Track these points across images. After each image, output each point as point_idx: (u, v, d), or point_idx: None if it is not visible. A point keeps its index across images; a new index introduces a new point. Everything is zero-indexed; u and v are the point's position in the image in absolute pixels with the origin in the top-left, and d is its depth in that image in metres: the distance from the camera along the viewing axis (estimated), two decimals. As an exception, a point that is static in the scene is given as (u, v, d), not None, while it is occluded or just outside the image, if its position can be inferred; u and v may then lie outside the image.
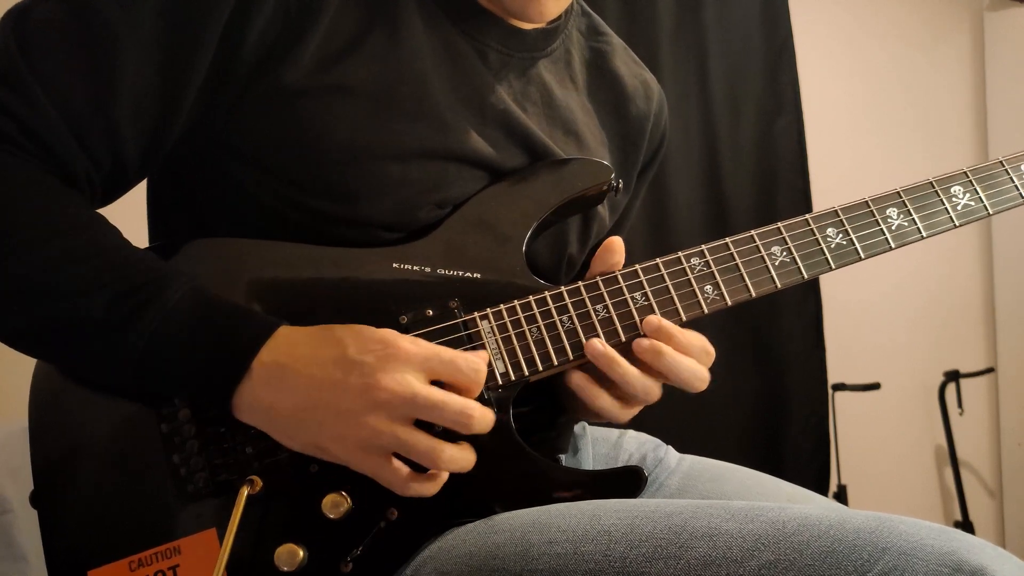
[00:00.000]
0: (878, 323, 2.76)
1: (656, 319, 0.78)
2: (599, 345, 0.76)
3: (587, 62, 0.95)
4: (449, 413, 0.67)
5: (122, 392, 0.72)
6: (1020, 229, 2.82)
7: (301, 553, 0.70)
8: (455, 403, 0.68)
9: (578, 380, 0.78)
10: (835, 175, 2.59)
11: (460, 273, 0.78)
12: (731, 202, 2.44)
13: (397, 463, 0.68)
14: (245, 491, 0.70)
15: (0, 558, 1.37)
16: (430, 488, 0.70)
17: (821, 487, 2.59)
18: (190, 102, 0.73)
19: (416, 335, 0.74)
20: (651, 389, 0.78)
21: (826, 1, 2.72)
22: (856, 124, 2.74)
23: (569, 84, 0.92)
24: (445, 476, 0.71)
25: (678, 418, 2.27)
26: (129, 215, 0.80)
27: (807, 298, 2.57)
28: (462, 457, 0.70)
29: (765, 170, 2.52)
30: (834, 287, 2.59)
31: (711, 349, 0.80)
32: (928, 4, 2.88)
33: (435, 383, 0.69)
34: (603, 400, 0.78)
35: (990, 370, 2.92)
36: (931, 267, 2.81)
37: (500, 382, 0.76)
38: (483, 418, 0.69)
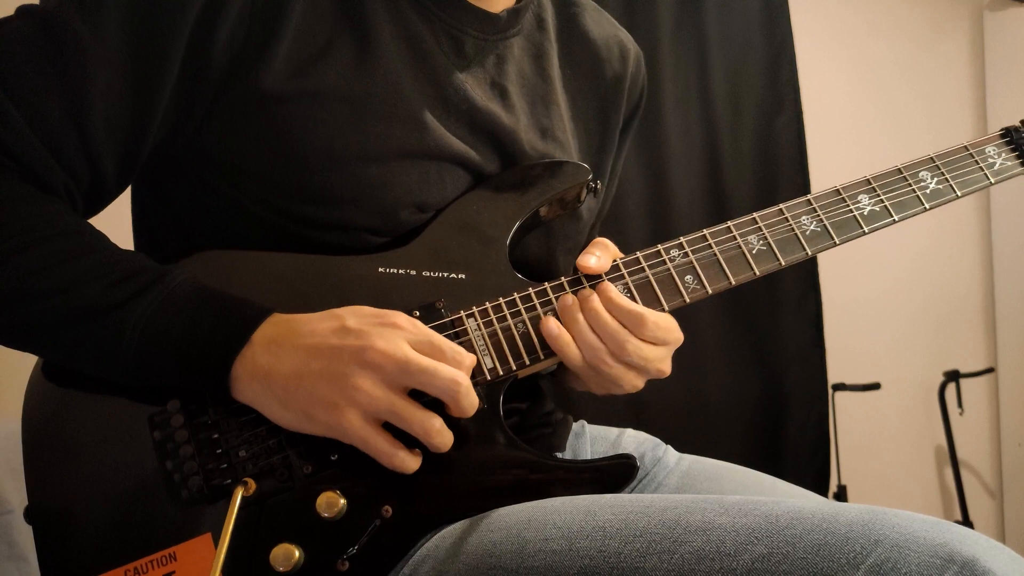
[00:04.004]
0: (878, 323, 2.76)
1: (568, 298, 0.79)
2: (555, 326, 0.78)
3: (558, 30, 0.96)
4: (440, 380, 0.68)
5: (122, 380, 0.73)
6: (1020, 229, 2.82)
7: (297, 553, 0.70)
8: (446, 370, 0.69)
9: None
10: (835, 173, 2.57)
11: (445, 274, 0.79)
12: (732, 200, 2.44)
13: (386, 433, 0.70)
14: (239, 493, 0.69)
15: (0, 558, 1.38)
16: (415, 462, 0.71)
17: (821, 487, 2.58)
18: (163, 110, 0.73)
19: None
20: (596, 343, 0.78)
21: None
22: (856, 123, 2.74)
23: (543, 56, 0.93)
24: (420, 457, 0.72)
25: (677, 418, 2.28)
26: (117, 228, 0.80)
27: (807, 298, 2.56)
28: (449, 433, 0.71)
29: (765, 168, 2.52)
30: (834, 286, 2.59)
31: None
32: (928, 3, 2.88)
33: None
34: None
35: (990, 370, 2.92)
36: (931, 267, 2.81)
37: (488, 377, 0.76)
38: (470, 391, 0.70)
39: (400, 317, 0.71)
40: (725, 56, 2.47)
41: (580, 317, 0.78)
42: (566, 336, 0.77)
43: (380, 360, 0.68)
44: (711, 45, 2.45)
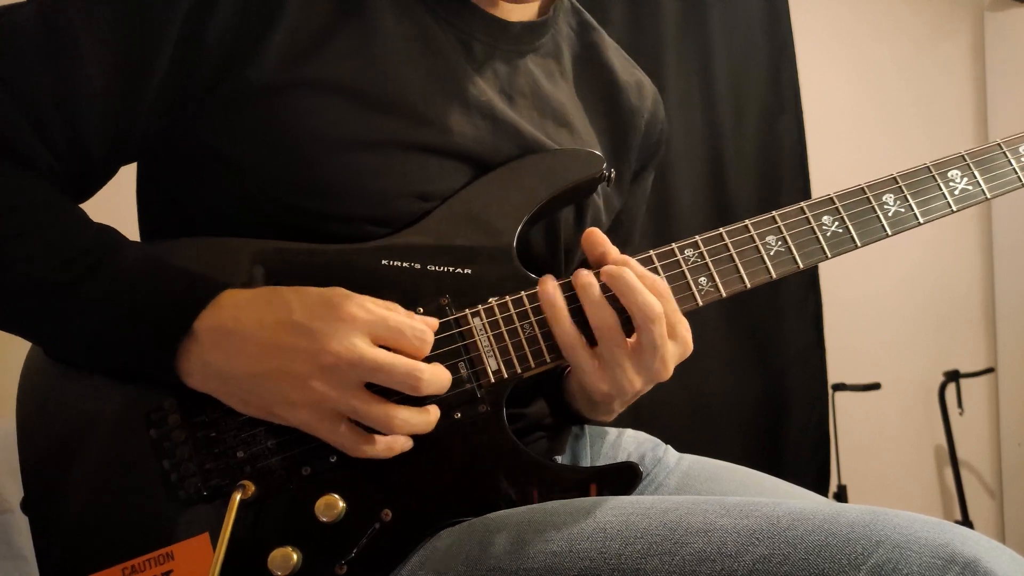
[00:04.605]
0: (878, 323, 2.76)
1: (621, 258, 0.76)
2: (550, 283, 0.75)
3: (577, 56, 0.94)
4: (397, 375, 0.67)
5: (81, 363, 0.73)
6: (1021, 229, 2.82)
7: (295, 557, 0.70)
8: (403, 365, 0.68)
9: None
10: (835, 174, 2.58)
11: (450, 269, 0.77)
12: (733, 201, 2.44)
13: (348, 425, 0.69)
14: (237, 496, 0.69)
15: (0, 557, 1.37)
16: (382, 450, 0.70)
17: (821, 487, 2.58)
18: (152, 97, 0.73)
19: None
20: (607, 316, 0.73)
21: (826, 1, 2.71)
22: (856, 124, 2.74)
23: (558, 78, 0.91)
24: (402, 440, 0.71)
25: (677, 417, 2.28)
26: (123, 220, 0.80)
27: (807, 297, 2.56)
28: (418, 420, 0.70)
29: (767, 169, 2.52)
30: (834, 286, 2.59)
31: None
32: (928, 4, 2.88)
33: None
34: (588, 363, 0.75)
35: (990, 370, 2.92)
36: (931, 267, 2.81)
37: (493, 380, 0.75)
38: (433, 378, 0.69)
39: (351, 304, 0.68)
40: (726, 58, 2.47)
41: (596, 286, 0.74)
42: (561, 308, 0.74)
43: (334, 362, 0.66)
44: (712, 47, 2.45)
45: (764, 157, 2.52)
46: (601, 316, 0.74)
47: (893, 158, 2.87)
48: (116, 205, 0.88)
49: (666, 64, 2.36)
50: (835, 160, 2.62)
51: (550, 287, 0.75)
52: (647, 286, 0.74)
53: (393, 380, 0.68)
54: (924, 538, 0.58)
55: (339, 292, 0.69)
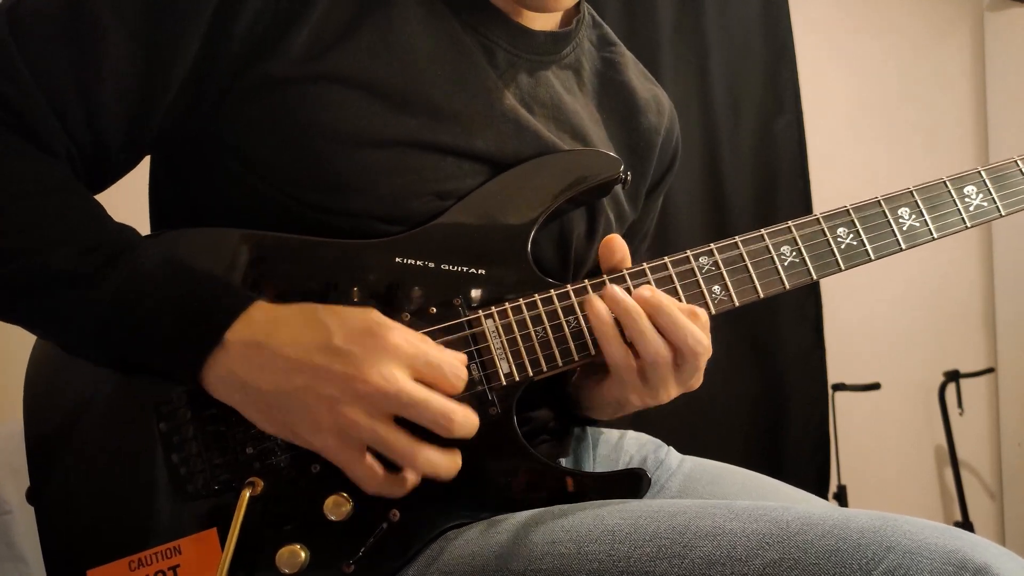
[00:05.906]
0: (878, 323, 2.76)
1: (649, 289, 0.76)
2: (617, 290, 0.74)
3: (598, 72, 0.94)
4: (430, 413, 0.66)
5: (92, 359, 0.72)
6: (1021, 230, 2.82)
7: (303, 555, 0.70)
8: (437, 404, 0.67)
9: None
10: (835, 175, 2.59)
11: (464, 269, 0.76)
12: (731, 202, 2.44)
13: (370, 458, 0.68)
14: (247, 494, 0.69)
15: (0, 558, 1.37)
16: (397, 490, 0.69)
17: (821, 487, 2.59)
18: (174, 91, 0.73)
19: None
20: (661, 349, 0.74)
21: (826, 1, 2.72)
22: (856, 124, 2.74)
23: (578, 92, 0.91)
24: (415, 480, 0.70)
25: (678, 419, 2.27)
26: (134, 216, 0.80)
27: (807, 298, 2.57)
28: (442, 462, 0.69)
29: (765, 170, 2.52)
30: (834, 287, 2.59)
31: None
32: (928, 4, 2.89)
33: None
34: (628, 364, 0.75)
35: (990, 370, 2.92)
36: (932, 267, 2.81)
37: (504, 383, 0.75)
38: (465, 422, 0.68)
39: (393, 335, 0.67)
40: (725, 58, 2.47)
41: (644, 317, 0.74)
42: (610, 326, 0.74)
43: (369, 391, 0.65)
44: (711, 47, 2.45)
45: (764, 158, 2.53)
46: (657, 350, 0.74)
47: (893, 159, 2.89)
48: (126, 197, 0.88)
49: (664, 64, 2.36)
50: (835, 161, 2.63)
51: (602, 308, 0.74)
52: (689, 318, 0.75)
53: (425, 418, 0.67)
54: (935, 544, 0.58)
55: (378, 319, 0.68)
